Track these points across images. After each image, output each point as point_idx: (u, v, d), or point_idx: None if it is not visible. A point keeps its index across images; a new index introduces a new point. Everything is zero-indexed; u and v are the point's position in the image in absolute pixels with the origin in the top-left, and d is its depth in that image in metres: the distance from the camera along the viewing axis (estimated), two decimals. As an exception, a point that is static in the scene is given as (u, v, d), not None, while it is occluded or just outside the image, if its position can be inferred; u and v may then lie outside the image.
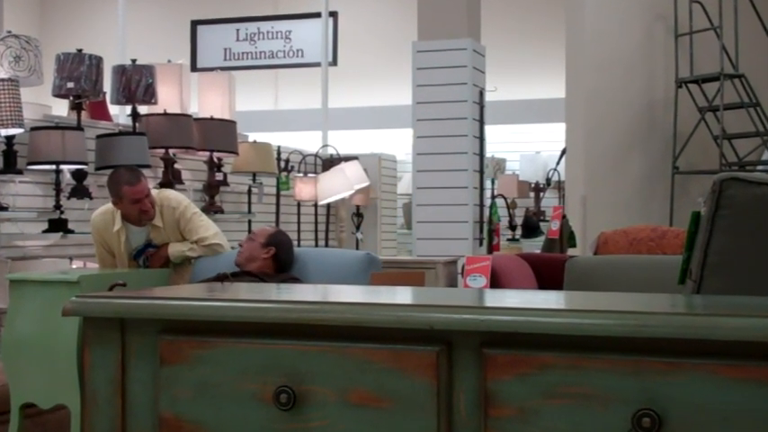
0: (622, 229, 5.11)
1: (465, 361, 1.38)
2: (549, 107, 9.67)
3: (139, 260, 4.51)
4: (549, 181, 9.89)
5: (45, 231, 5.13)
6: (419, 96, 6.28)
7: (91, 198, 5.28)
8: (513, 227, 9.29)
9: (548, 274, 4.49)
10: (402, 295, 1.81)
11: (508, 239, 9.22)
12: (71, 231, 5.15)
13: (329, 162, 7.87)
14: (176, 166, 6.03)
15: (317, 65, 9.57)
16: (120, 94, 5.59)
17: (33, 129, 5.02)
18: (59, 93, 5.25)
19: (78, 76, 5.16)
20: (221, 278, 3.88)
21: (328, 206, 7.83)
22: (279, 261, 4.14)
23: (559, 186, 9.58)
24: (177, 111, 5.93)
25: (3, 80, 4.70)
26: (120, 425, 1.54)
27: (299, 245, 6.97)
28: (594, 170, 7.42)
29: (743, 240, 1.98)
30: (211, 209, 6.23)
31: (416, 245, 6.30)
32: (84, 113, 5.41)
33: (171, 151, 5.85)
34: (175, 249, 4.45)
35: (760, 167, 7.36)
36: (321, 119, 8.93)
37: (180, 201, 4.52)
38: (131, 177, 4.35)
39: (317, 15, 9.69)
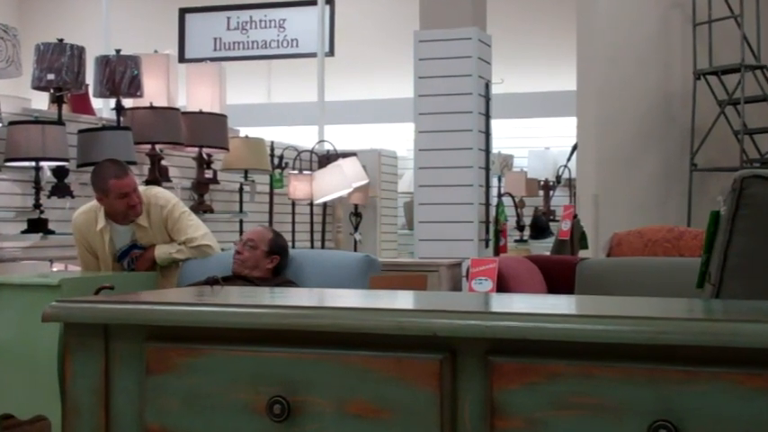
0: (637, 229, 5.11)
1: (470, 369, 1.38)
2: (559, 100, 9.67)
3: (124, 262, 4.51)
4: (559, 178, 9.89)
5: (24, 232, 5.13)
6: (421, 89, 6.28)
7: (72, 197, 5.28)
8: (520, 227, 9.29)
9: (558, 277, 4.49)
10: (403, 300, 1.81)
11: (516, 241, 9.23)
12: (51, 232, 5.15)
13: (326, 158, 7.88)
14: (163, 162, 6.03)
15: (313, 55, 9.58)
16: (104, 86, 5.59)
17: (11, 123, 5.02)
18: (39, 85, 5.25)
19: (59, 67, 5.15)
20: (211, 282, 3.89)
21: (325, 205, 7.83)
22: (278, 266, 4.16)
23: (570, 184, 9.59)
24: (164, 104, 5.93)
25: (-21, 71, 4.70)
26: (103, 437, 1.54)
27: (293, 246, 6.98)
28: (607, 167, 7.42)
29: (765, 241, 1.98)
30: (200, 208, 6.23)
31: (418, 246, 6.30)
32: (65, 107, 5.40)
33: (158, 147, 5.85)
34: (162, 251, 4.44)
35: (783, 164, 7.36)
36: (317, 113, 8.93)
37: (168, 199, 4.52)
38: (118, 170, 4.35)
39: (313, 3, 9.69)
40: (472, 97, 6.18)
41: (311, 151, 7.94)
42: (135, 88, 5.61)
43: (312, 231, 7.78)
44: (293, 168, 7.57)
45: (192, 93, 6.39)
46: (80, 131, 5.41)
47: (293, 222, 7.50)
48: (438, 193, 6.21)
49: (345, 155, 7.76)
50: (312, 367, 1.43)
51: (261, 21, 11.17)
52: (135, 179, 4.43)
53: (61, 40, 5.25)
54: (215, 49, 11.16)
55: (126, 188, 4.33)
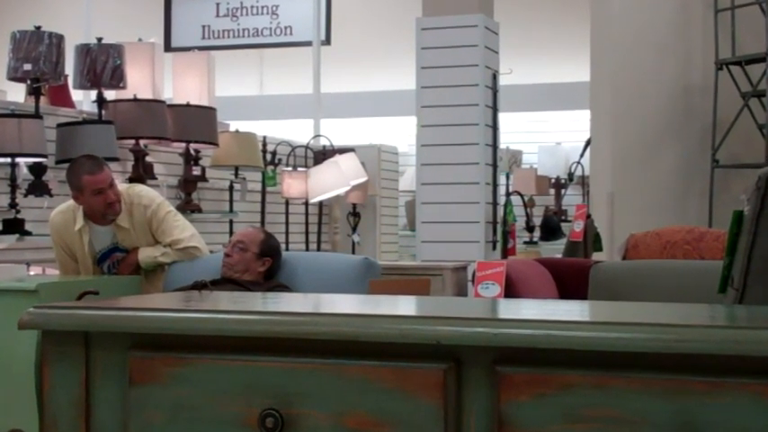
0: (655, 230, 5.11)
1: (476, 380, 1.39)
2: (571, 92, 9.67)
3: (104, 266, 4.51)
4: (571, 176, 9.89)
5: (-1, 233, 5.14)
6: (424, 80, 6.28)
7: (51, 195, 5.28)
8: (530, 228, 9.30)
9: (570, 281, 4.49)
10: (405, 306, 1.82)
11: (525, 242, 9.23)
12: (28, 233, 5.15)
13: (322, 154, 7.87)
14: (148, 158, 6.04)
15: (308, 44, 9.58)
16: (84, 77, 5.59)
17: (-15, 116, 5.02)
18: (15, 76, 5.25)
19: (36, 56, 5.16)
20: (199, 286, 3.89)
21: (321, 204, 7.83)
22: (271, 270, 4.16)
23: (583, 182, 9.59)
24: (149, 96, 5.93)
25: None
26: (84, 453, 1.54)
27: (287, 248, 6.98)
28: (623, 163, 7.42)
29: (792, 243, 1.98)
30: (188, 207, 6.23)
31: (421, 248, 6.30)
32: (43, 99, 5.41)
33: (142, 142, 5.85)
34: (146, 254, 4.44)
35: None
36: (312, 105, 8.93)
37: (152, 198, 4.52)
38: (92, 166, 4.35)
39: (308, -12, 9.70)
40: (478, 89, 6.17)
41: (306, 147, 7.95)
42: (117, 79, 5.61)
43: (307, 232, 7.79)
44: (287, 165, 7.57)
45: (178, 84, 6.39)
46: (59, 125, 5.41)
47: (287, 223, 7.50)
48: (442, 192, 6.21)
49: (343, 150, 7.76)
50: (307, 378, 1.43)
51: (252, 7, 11.16)
52: (111, 174, 4.42)
53: (39, 28, 5.25)
54: (203, 38, 11.15)
55: (101, 184, 4.32)
